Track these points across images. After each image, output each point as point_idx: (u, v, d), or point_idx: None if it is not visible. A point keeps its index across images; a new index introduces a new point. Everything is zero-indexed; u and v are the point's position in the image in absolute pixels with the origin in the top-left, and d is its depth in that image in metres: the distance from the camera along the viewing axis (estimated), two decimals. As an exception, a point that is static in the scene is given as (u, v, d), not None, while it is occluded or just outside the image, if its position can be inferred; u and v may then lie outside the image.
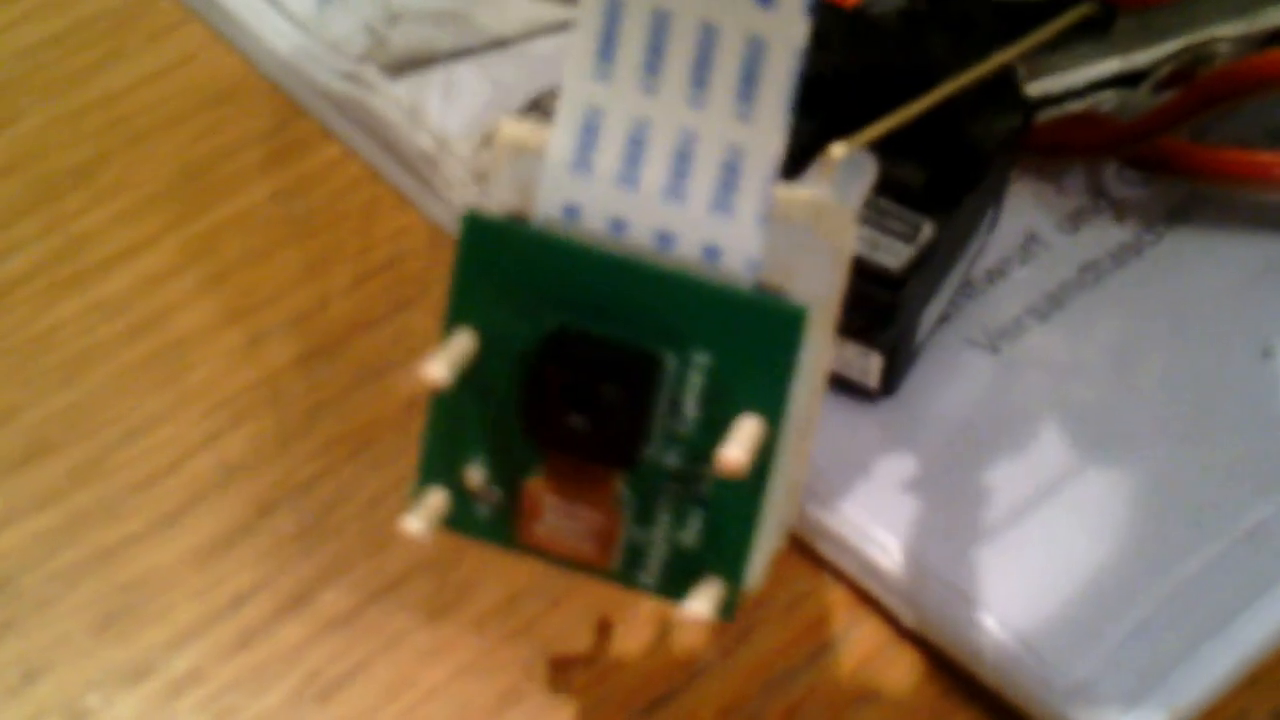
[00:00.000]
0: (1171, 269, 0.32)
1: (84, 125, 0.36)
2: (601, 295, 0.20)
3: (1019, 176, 0.32)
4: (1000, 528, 0.27)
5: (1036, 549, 0.27)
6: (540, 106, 0.33)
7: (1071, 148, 0.33)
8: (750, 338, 0.19)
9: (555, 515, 0.21)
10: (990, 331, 0.30)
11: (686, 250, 0.20)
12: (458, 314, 0.21)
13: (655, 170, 0.20)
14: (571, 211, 0.20)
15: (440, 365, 0.20)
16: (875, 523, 0.27)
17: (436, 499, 0.21)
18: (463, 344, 0.21)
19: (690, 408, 0.20)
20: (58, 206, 0.34)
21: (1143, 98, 0.31)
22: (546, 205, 0.20)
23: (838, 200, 0.22)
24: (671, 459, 0.20)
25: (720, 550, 0.20)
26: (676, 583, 0.20)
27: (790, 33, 0.19)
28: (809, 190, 0.21)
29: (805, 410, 0.22)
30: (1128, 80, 0.32)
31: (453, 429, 0.21)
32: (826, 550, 0.28)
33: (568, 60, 0.20)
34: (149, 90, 0.37)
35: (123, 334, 0.32)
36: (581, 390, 0.20)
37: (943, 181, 0.28)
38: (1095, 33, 0.30)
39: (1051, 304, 0.31)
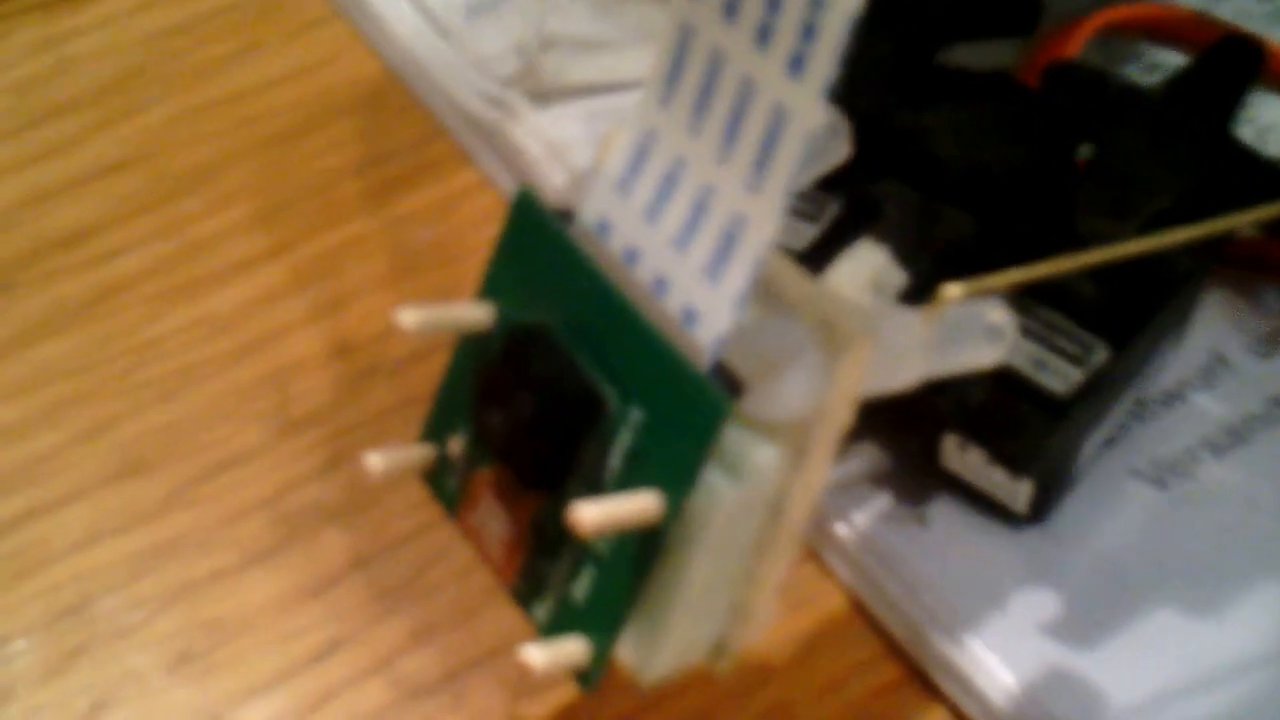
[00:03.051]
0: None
1: (211, 123, 0.39)
2: (586, 317, 0.22)
3: (1209, 287, 0.33)
4: (1149, 686, 0.28)
5: (1185, 711, 0.28)
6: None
7: (1275, 264, 0.34)
8: (676, 413, 0.21)
9: (485, 511, 0.24)
10: (1158, 462, 0.31)
11: (673, 304, 0.22)
12: (487, 288, 0.24)
13: (676, 213, 0.22)
14: (604, 228, 0.23)
15: (412, 314, 0.23)
16: (1005, 665, 0.28)
17: (420, 453, 0.24)
18: (464, 311, 0.24)
19: (615, 460, 0.22)
20: (176, 208, 0.37)
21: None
22: (587, 214, 0.23)
23: (868, 325, 0.22)
24: None
25: (596, 614, 0.22)
26: (560, 631, 0.22)
27: (806, 111, 0.20)
28: (838, 297, 0.22)
29: (761, 534, 0.22)
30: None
31: (455, 397, 0.24)
32: (947, 686, 0.29)
33: (644, 83, 0.23)
34: (283, 91, 0.40)
35: (230, 353, 0.34)
36: (507, 393, 0.22)
37: (1124, 297, 0.29)
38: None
39: (1232, 438, 0.32)
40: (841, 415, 0.22)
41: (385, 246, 0.36)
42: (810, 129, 0.20)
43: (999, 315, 0.25)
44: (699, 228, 0.22)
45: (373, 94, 0.40)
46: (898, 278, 0.26)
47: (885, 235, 0.27)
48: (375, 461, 0.24)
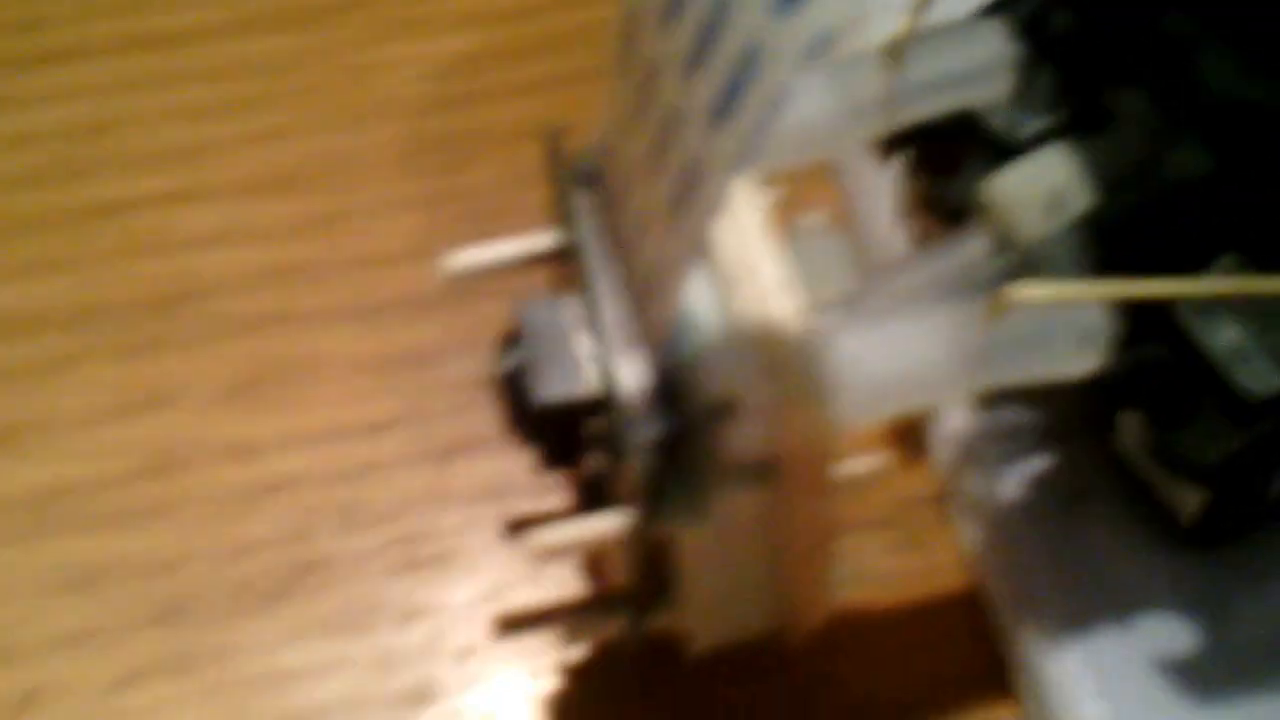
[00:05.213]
0: None
1: None
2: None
3: None
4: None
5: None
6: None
7: None
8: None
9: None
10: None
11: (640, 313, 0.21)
12: (556, 212, 0.23)
13: (631, 218, 0.21)
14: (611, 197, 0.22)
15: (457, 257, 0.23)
16: (1096, 699, 0.24)
17: None
18: (521, 246, 0.23)
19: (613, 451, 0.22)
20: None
21: None
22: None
23: (819, 382, 0.20)
24: None
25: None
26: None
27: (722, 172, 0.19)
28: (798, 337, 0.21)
29: (774, 547, 0.22)
30: None
31: None
32: (1024, 697, 0.25)
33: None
34: None
35: (428, 102, 0.33)
36: (514, 385, 0.22)
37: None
38: None
39: None
40: (811, 457, 0.21)
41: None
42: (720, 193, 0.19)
43: (1092, 316, 0.21)
44: (641, 246, 0.21)
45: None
46: (1080, 201, 0.22)
47: (1107, 151, 0.23)
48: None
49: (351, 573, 0.27)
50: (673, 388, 0.21)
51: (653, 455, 0.20)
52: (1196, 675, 0.25)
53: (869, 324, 0.21)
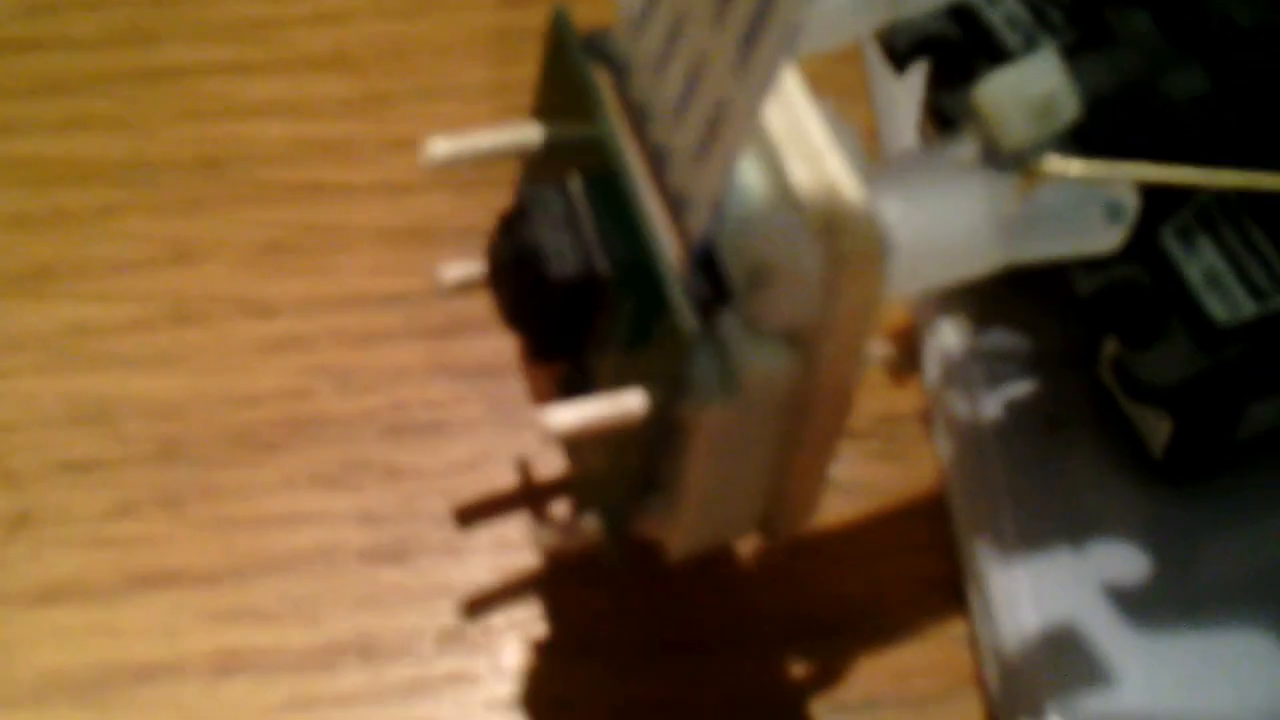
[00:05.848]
0: None
1: None
2: (603, 173, 0.21)
3: None
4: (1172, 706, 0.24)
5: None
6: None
7: None
8: (658, 320, 0.20)
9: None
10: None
11: (670, 181, 0.21)
12: (539, 106, 0.23)
13: (675, 76, 0.20)
14: (625, 70, 0.22)
15: (445, 145, 0.23)
16: (1035, 610, 0.24)
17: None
18: (505, 136, 0.23)
19: (620, 339, 0.21)
20: None
21: None
22: (618, 48, 0.22)
23: (875, 238, 0.20)
24: None
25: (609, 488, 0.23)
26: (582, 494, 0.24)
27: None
28: (848, 197, 0.20)
29: (788, 431, 0.22)
30: None
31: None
32: (976, 607, 0.25)
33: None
34: None
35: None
36: (510, 269, 0.22)
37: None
38: None
39: None
40: (854, 327, 0.20)
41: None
42: (797, 18, 0.18)
43: (1121, 193, 0.21)
44: (692, 100, 0.20)
45: None
46: (1071, 109, 0.22)
47: (1103, 67, 0.23)
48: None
49: (343, 432, 0.28)
50: (710, 257, 0.21)
51: (694, 324, 0.20)
52: (1144, 606, 0.25)
53: (903, 193, 0.22)
